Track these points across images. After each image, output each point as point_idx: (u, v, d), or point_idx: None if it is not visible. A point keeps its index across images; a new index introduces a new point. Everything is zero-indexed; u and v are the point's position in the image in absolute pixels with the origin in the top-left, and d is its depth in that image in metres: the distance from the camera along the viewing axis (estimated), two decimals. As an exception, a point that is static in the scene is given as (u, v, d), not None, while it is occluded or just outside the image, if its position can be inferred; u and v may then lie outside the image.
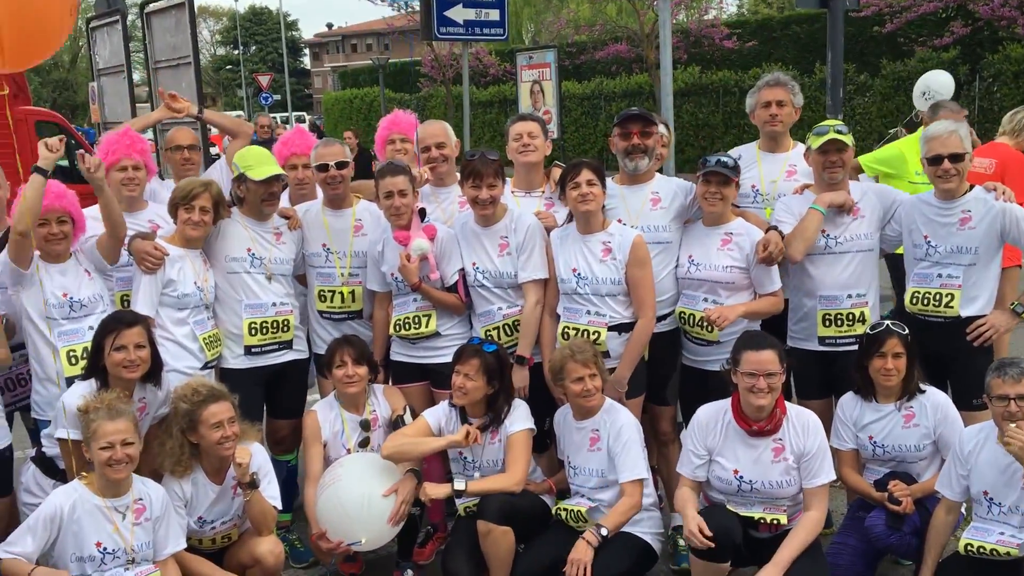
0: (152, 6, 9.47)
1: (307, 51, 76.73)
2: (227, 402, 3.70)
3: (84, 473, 3.48)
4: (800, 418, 3.84)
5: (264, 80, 41.86)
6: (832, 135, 4.28)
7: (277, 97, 48.52)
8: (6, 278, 3.96)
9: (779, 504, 3.79)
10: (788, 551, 3.61)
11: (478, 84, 28.66)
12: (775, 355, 3.76)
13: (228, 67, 67.19)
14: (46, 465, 3.78)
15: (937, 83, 7.49)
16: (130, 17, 11.13)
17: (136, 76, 11.28)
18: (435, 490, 4.00)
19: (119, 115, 10.32)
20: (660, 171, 4.73)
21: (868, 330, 4.10)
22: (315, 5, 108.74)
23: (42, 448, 3.83)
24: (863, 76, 22.08)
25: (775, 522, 3.74)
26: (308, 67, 75.65)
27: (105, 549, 3.39)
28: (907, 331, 3.99)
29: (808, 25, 24.71)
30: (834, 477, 3.90)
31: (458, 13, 8.96)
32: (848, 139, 4.32)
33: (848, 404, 4.16)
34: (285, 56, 52.28)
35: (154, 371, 3.77)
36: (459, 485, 3.98)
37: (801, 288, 4.44)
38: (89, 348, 3.82)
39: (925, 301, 4.26)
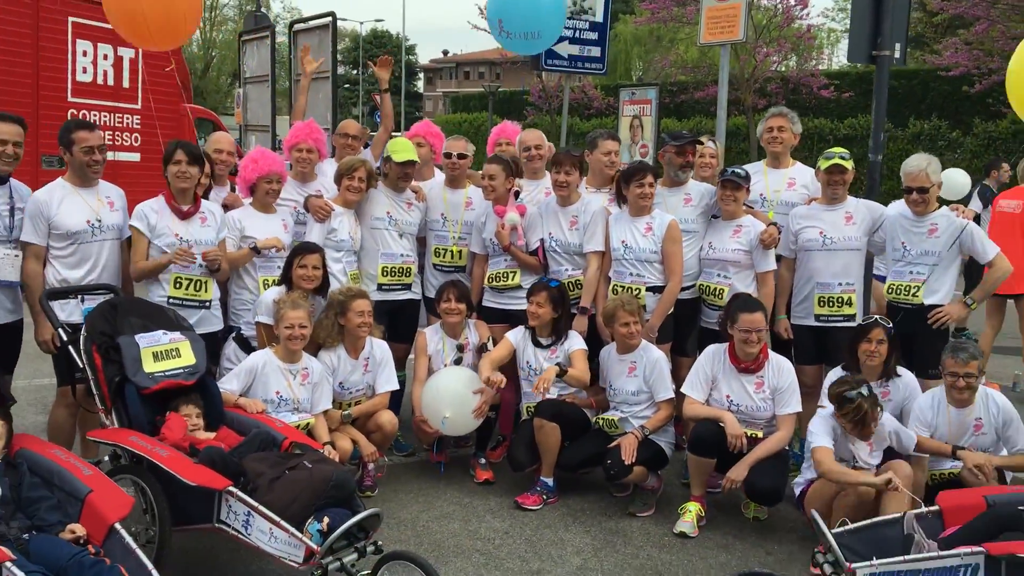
0: (299, 25, 11.08)
1: (422, 75, 79.92)
2: (368, 300, 5.27)
3: (273, 343, 5.06)
4: (777, 362, 5.15)
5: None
6: (836, 160, 5.59)
7: (392, 116, 51.08)
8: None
9: (757, 424, 5.10)
10: (756, 454, 4.93)
11: (582, 116, 30.15)
12: (763, 315, 5.09)
13: (346, 85, 70.63)
14: (243, 343, 5.39)
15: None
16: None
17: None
18: (548, 373, 5.31)
19: (260, 119, 11.91)
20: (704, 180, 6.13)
21: (861, 321, 5.27)
22: (433, 32, 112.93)
23: (241, 331, 5.44)
24: (955, 133, 22.81)
25: (754, 436, 5.03)
26: (421, 91, 78.80)
27: (281, 396, 4.94)
28: (891, 325, 5.10)
29: (907, 80, 25.40)
30: (800, 409, 5.16)
31: (563, 48, 10.16)
32: (849, 164, 5.61)
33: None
34: (403, 79, 55.00)
35: (323, 287, 5.35)
36: (565, 367, 5.38)
37: (803, 276, 5.74)
38: (277, 279, 5.41)
39: (898, 291, 5.52)
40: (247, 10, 47.37)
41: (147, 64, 12.44)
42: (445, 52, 76.61)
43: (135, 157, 12.50)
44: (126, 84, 12.55)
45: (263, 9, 34.11)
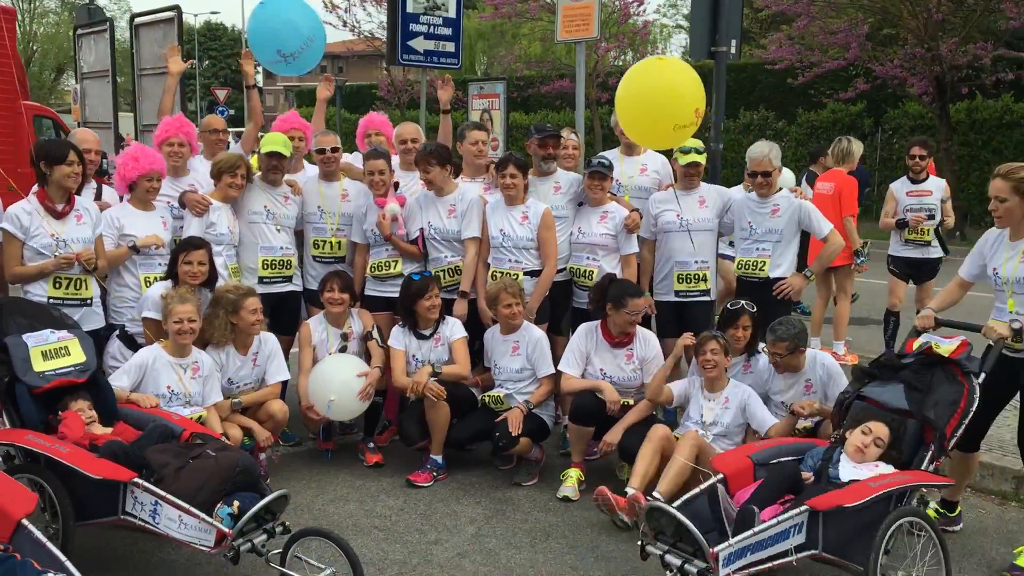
0: (141, 19, 10.61)
1: (261, 70, 77.73)
2: (258, 298, 5.35)
3: (163, 339, 5.07)
4: (644, 335, 5.60)
5: (221, 94, 43.16)
6: (692, 156, 6.06)
7: (232, 111, 49.68)
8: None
9: (628, 392, 5.53)
10: (628, 419, 5.35)
11: (431, 110, 30.09)
12: (645, 300, 5.55)
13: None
14: (127, 340, 5.35)
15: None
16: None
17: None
18: (419, 376, 5.55)
19: (100, 116, 11.32)
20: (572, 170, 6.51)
21: (728, 306, 5.61)
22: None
23: (125, 328, 5.40)
24: (781, 123, 24.46)
25: (626, 404, 5.46)
26: (261, 85, 76.62)
27: (172, 391, 4.97)
28: (755, 309, 5.51)
29: (736, 74, 26.82)
30: None
31: (419, 44, 10.37)
32: (703, 158, 6.12)
33: None
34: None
35: (210, 281, 5.38)
36: (437, 369, 5.62)
37: (663, 256, 6.22)
38: (159, 276, 5.42)
39: (747, 267, 6.09)
40: (72, 1, 44.89)
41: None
42: (285, 45, 74.62)
43: (-29, 158, 11.82)
44: (-43, 82, 11.83)
45: (94, 2, 32.39)
